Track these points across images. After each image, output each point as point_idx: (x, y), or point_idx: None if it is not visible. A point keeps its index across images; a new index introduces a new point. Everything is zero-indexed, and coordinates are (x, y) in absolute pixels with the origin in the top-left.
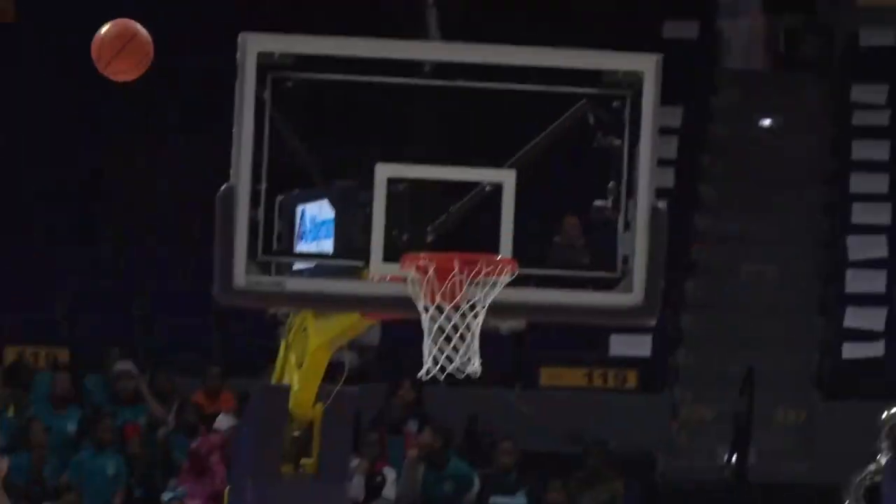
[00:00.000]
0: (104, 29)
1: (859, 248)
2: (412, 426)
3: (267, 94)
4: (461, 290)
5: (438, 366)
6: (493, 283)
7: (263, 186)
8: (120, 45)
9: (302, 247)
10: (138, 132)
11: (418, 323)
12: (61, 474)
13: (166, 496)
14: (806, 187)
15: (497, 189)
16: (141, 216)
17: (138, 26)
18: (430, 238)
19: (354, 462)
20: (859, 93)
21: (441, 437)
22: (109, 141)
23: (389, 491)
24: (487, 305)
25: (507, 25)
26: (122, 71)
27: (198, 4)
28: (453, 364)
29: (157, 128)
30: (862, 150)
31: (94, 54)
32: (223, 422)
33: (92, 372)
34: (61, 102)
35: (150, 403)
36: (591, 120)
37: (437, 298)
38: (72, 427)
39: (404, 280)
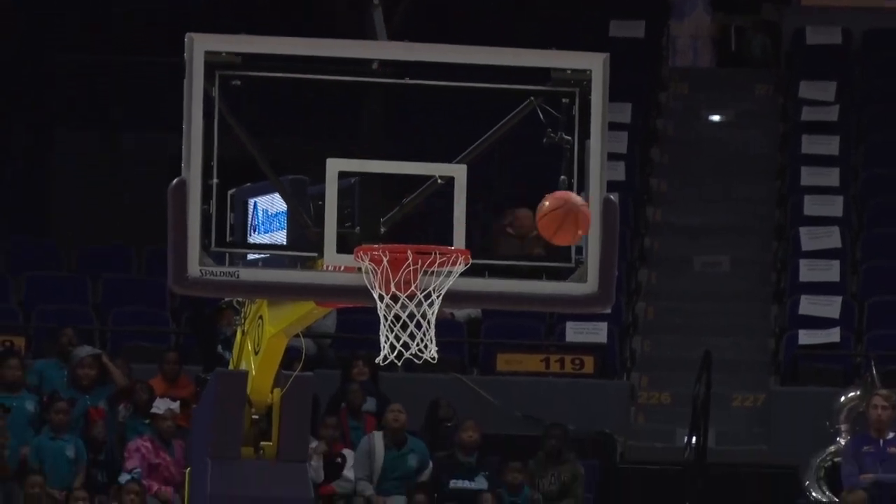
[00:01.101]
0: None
1: (812, 238)
2: (370, 405)
3: (215, 92)
4: (415, 280)
5: (395, 352)
6: (447, 273)
7: (215, 180)
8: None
9: (255, 238)
10: (91, 125)
11: (374, 310)
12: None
13: (123, 478)
14: (758, 181)
15: (449, 182)
16: (94, 206)
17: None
18: (383, 230)
19: (313, 444)
20: (807, 89)
21: (404, 414)
22: (63, 132)
23: (349, 472)
24: (442, 294)
25: (456, 24)
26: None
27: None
28: (410, 351)
29: (108, 121)
30: (812, 145)
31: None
32: (160, 405)
33: (48, 357)
34: (10, 91)
35: (113, 374)
36: (542, 116)
37: (392, 288)
38: (30, 406)
39: (358, 270)
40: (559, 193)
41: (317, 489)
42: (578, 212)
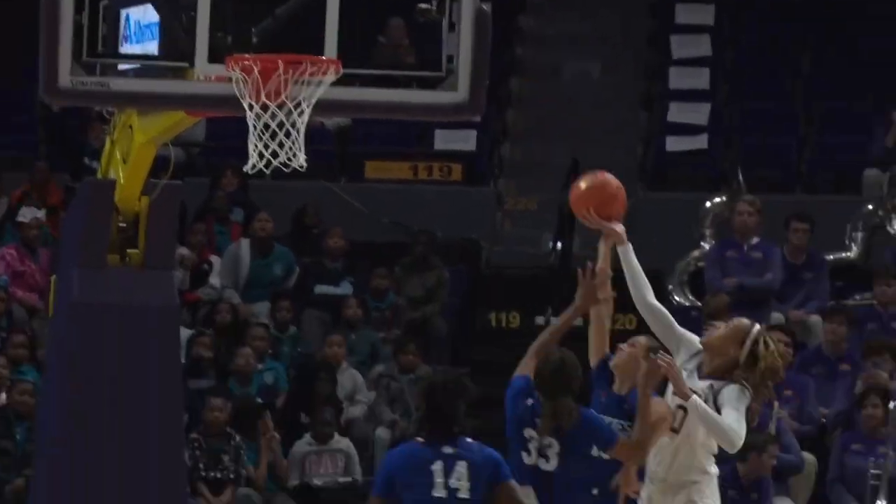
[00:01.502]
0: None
1: (682, 47)
2: (238, 215)
3: None
4: (286, 90)
5: (264, 161)
6: (318, 83)
7: None
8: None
9: (127, 49)
10: None
11: (244, 119)
12: None
13: None
14: (633, 12)
15: None
16: None
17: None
18: (255, 40)
19: (181, 252)
20: None
21: (271, 223)
22: None
23: (215, 278)
24: (313, 103)
25: None
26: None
27: None
28: (279, 159)
29: None
30: None
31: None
32: (26, 214)
33: None
34: None
35: None
36: None
37: (262, 97)
38: None
39: (229, 80)
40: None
41: (182, 296)
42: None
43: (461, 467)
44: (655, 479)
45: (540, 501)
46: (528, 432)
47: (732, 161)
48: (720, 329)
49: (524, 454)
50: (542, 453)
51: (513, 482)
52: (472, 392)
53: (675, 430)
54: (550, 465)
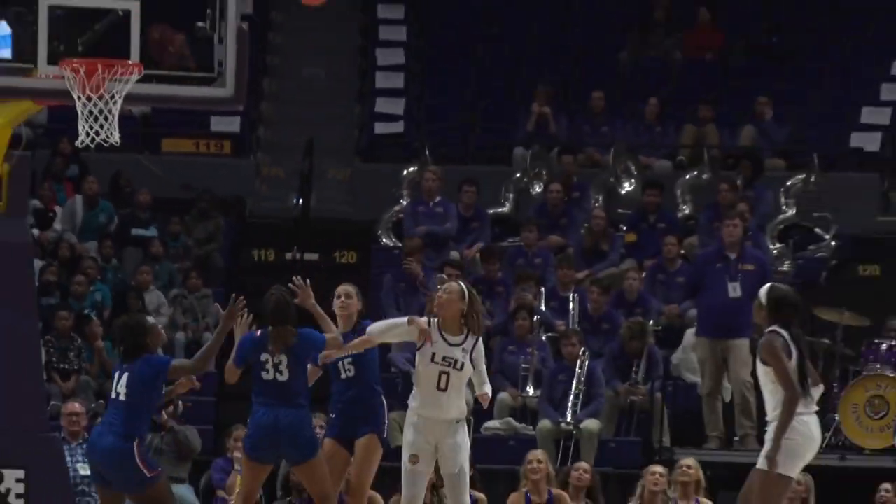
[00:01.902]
0: None
1: (384, 57)
2: (74, 171)
3: None
4: (104, 85)
5: (89, 137)
6: (126, 81)
7: None
8: None
9: None
10: None
11: (74, 107)
12: None
13: None
14: (346, 28)
15: (127, 14)
16: None
17: None
18: (81, 48)
19: (32, 202)
20: None
21: (97, 183)
22: None
23: (58, 224)
24: (123, 96)
25: None
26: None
27: None
28: (100, 136)
29: None
30: None
31: None
32: None
33: None
34: None
35: None
36: None
37: (87, 91)
38: None
39: (63, 78)
40: None
41: (35, 237)
42: None
43: None
44: None
45: (280, 410)
46: (264, 356)
47: (421, 141)
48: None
49: (263, 374)
50: (277, 370)
51: None
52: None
53: None
54: (284, 377)
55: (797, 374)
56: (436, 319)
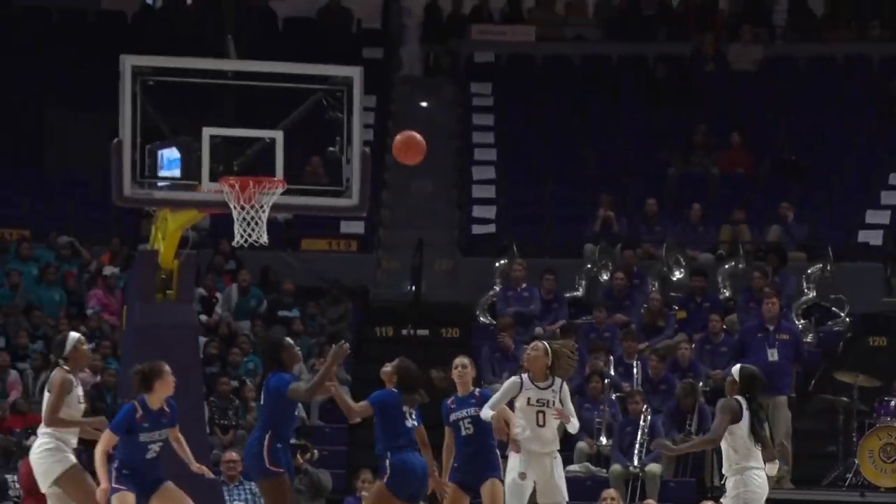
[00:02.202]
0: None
1: (478, 174)
2: (231, 265)
3: (137, 88)
4: (254, 198)
5: (243, 238)
6: (272, 193)
7: (139, 140)
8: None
9: (162, 173)
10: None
11: (230, 215)
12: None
13: (89, 311)
14: (446, 150)
15: (273, 140)
16: (77, 158)
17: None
18: (236, 168)
19: (198, 291)
20: (475, 88)
21: (249, 275)
22: (54, 109)
23: (218, 308)
24: (269, 206)
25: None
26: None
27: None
28: (252, 238)
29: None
30: (477, 118)
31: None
32: (108, 270)
33: (41, 244)
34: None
35: (83, 252)
36: (325, 103)
37: (241, 202)
38: (34, 271)
39: (222, 192)
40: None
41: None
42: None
43: None
44: None
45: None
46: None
47: (509, 239)
48: (530, 354)
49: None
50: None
51: None
52: None
53: None
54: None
55: (749, 436)
56: (527, 374)
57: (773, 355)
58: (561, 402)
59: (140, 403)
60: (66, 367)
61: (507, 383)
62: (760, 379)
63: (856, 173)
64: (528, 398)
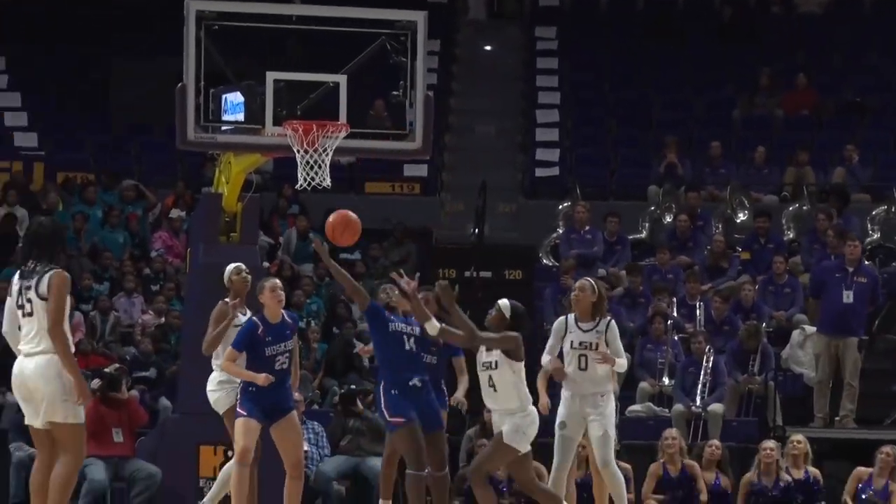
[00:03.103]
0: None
1: (542, 117)
2: (295, 209)
3: (202, 33)
4: (317, 141)
5: (307, 181)
6: (336, 137)
7: (202, 84)
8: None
9: (225, 117)
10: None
11: (294, 158)
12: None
13: (153, 254)
14: (510, 93)
15: (336, 85)
16: (141, 105)
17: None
18: (299, 112)
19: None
20: (539, 32)
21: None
22: (119, 58)
23: (280, 251)
24: (332, 149)
25: None
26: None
27: None
28: (315, 181)
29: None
30: (541, 62)
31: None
32: (174, 213)
33: (109, 188)
34: None
35: (148, 195)
36: (389, 47)
37: (304, 145)
38: (99, 213)
39: (286, 135)
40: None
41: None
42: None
43: None
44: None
45: None
46: None
47: (573, 182)
48: (577, 294)
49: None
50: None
51: None
52: None
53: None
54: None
55: None
56: (573, 315)
57: (848, 297)
58: (607, 342)
59: (259, 319)
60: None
61: (554, 325)
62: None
63: None
64: (571, 341)
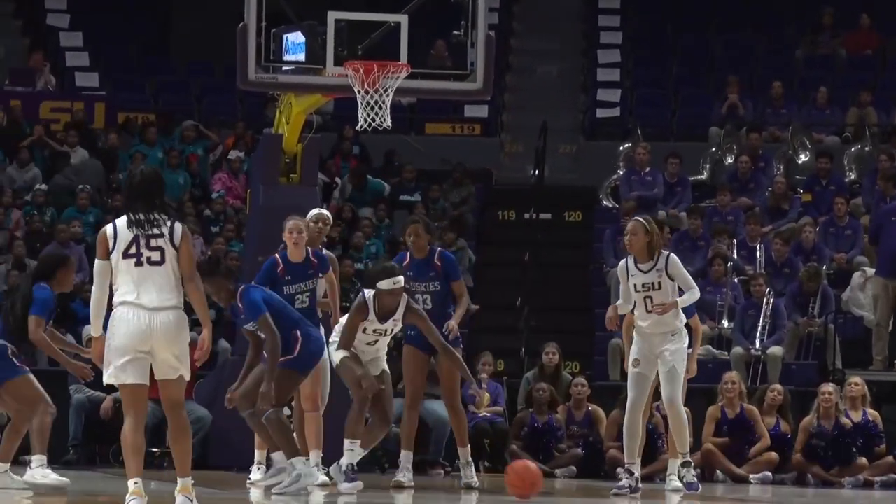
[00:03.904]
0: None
1: (603, 57)
2: (356, 150)
3: None
4: (378, 82)
5: (367, 122)
6: (397, 77)
7: (264, 24)
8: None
9: (287, 57)
10: None
11: (355, 99)
12: None
13: (215, 195)
14: (572, 33)
15: (398, 25)
16: (208, 43)
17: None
18: (360, 52)
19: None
20: None
21: (365, 164)
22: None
23: (337, 193)
24: (393, 89)
25: None
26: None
27: None
28: (376, 122)
29: None
30: (603, 1)
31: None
32: (233, 154)
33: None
34: None
35: (209, 135)
36: None
37: (365, 86)
38: (159, 154)
39: (346, 76)
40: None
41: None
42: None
43: None
44: None
45: None
46: None
47: (633, 123)
48: (629, 238)
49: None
50: None
51: None
52: None
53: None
54: None
55: None
56: (632, 257)
57: None
58: (670, 278)
59: (281, 257)
60: None
61: (617, 269)
62: None
63: None
64: (634, 285)
